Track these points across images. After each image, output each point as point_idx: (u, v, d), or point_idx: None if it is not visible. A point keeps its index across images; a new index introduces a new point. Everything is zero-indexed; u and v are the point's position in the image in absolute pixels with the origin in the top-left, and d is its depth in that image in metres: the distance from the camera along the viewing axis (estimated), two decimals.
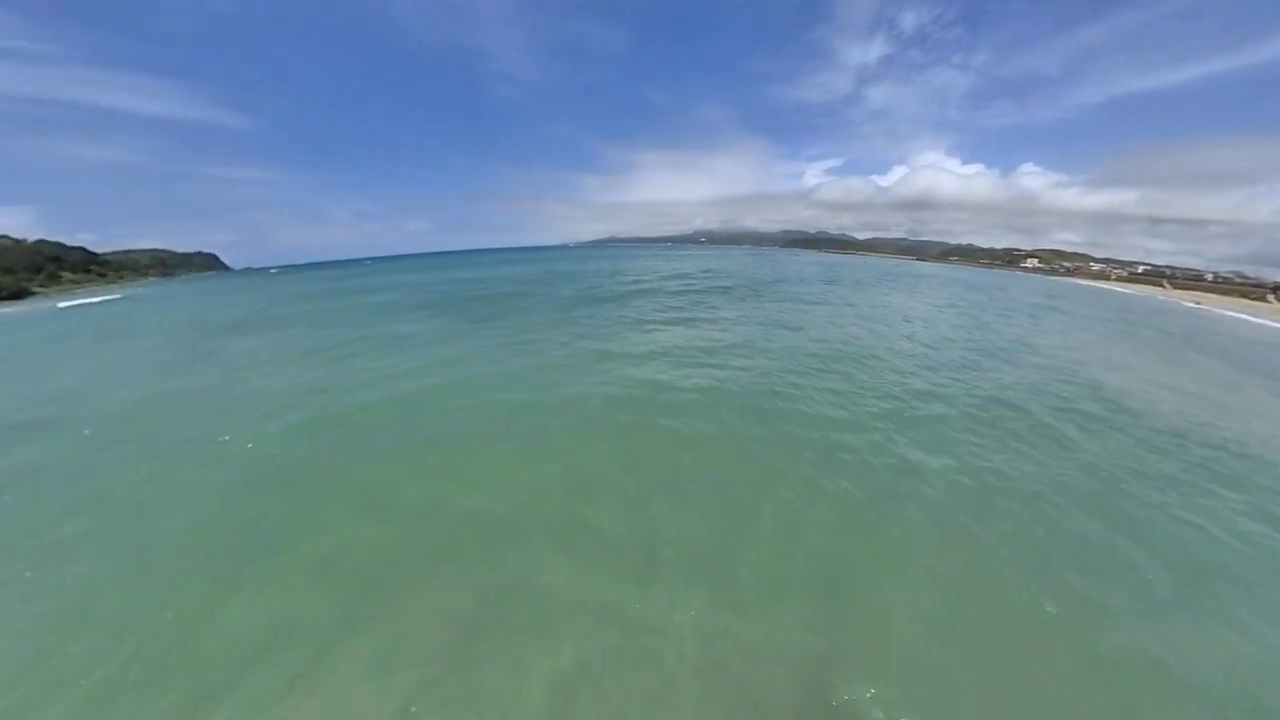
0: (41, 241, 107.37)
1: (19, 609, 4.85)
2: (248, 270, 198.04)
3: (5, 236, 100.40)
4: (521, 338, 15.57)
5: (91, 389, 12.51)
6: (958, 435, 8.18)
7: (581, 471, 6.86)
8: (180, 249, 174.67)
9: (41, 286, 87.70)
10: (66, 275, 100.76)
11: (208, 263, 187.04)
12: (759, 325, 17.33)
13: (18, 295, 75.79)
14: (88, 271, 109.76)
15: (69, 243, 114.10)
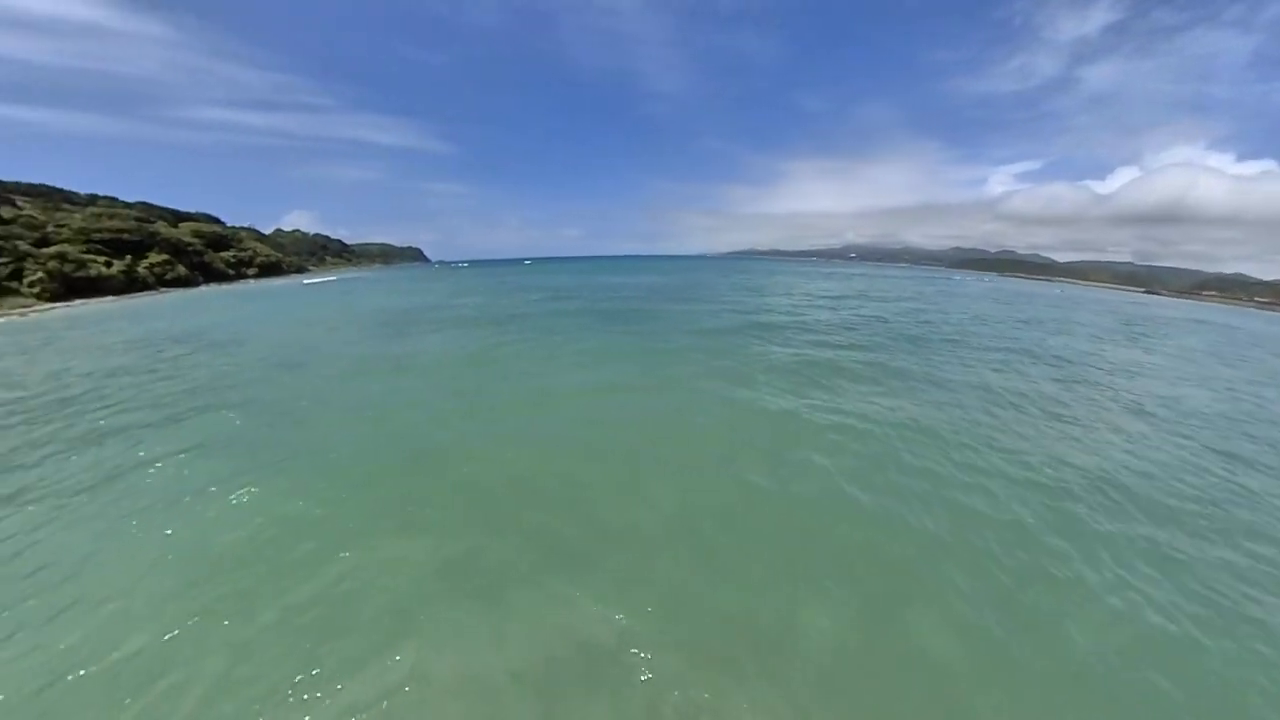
0: (318, 235, 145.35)
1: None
2: (441, 263, 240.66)
3: (298, 231, 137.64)
4: (662, 367, 14.17)
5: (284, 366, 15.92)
6: None
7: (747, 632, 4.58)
8: (397, 244, 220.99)
9: (314, 265, 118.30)
10: (329, 259, 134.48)
11: (414, 255, 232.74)
12: (961, 391, 12.45)
13: (300, 270, 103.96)
14: (340, 256, 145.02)
15: (332, 235, 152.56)
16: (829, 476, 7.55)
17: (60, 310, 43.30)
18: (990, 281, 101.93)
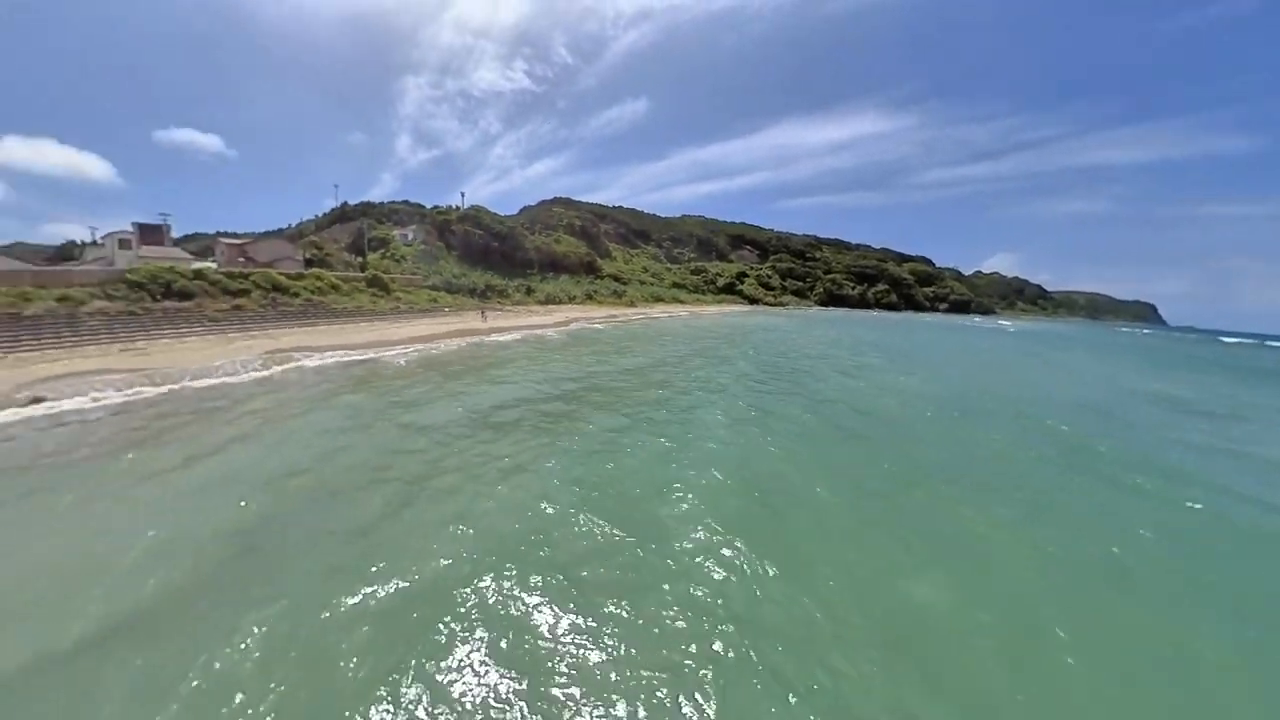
0: (1015, 278, 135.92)
1: None
2: (1188, 330, 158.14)
3: (997, 273, 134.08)
4: None
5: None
6: None
7: None
8: (1118, 295, 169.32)
9: (1001, 309, 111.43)
10: (1019, 304, 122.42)
11: (1141, 313, 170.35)
12: None
13: (986, 311, 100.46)
14: (1034, 303, 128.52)
15: (1031, 279, 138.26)
16: None
17: (827, 311, 63.22)
18: None
